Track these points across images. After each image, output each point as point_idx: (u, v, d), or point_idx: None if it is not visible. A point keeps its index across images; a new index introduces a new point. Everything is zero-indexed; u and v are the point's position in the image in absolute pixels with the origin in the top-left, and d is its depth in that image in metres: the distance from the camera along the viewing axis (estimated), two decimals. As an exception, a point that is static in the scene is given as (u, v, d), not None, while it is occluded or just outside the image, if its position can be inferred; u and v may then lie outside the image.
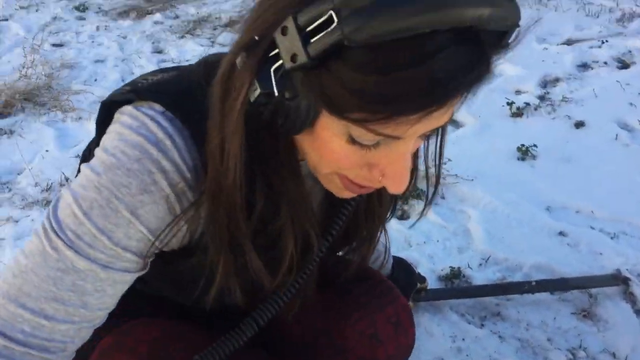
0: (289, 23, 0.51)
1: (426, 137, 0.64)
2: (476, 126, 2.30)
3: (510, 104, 2.37)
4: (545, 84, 2.59)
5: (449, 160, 2.01)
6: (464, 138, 2.24)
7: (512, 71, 2.69)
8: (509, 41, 0.56)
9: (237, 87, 0.58)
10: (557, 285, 1.54)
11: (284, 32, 0.52)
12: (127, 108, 0.67)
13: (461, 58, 0.50)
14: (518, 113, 2.35)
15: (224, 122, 0.60)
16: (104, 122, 0.71)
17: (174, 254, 0.73)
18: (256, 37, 0.56)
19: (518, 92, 2.51)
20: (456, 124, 2.36)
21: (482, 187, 1.94)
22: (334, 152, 0.60)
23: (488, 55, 0.53)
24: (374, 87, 0.50)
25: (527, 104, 2.39)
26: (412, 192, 1.97)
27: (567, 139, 2.19)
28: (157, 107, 0.66)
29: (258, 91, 0.56)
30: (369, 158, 0.60)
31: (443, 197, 1.92)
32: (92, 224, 0.63)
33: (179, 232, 0.68)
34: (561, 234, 1.75)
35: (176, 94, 0.67)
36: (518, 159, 2.10)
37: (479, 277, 1.61)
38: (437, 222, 1.82)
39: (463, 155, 2.10)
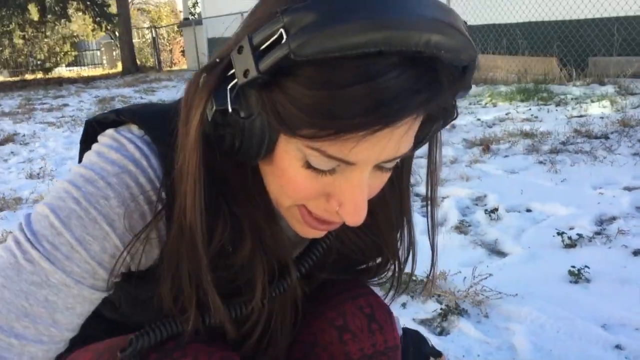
0: (245, 42, 0.55)
1: (386, 170, 0.64)
2: (524, 255, 2.20)
3: (561, 234, 2.27)
4: (601, 222, 2.49)
5: (490, 275, 1.90)
6: (511, 265, 2.13)
7: (564, 211, 2.62)
8: (468, 78, 0.60)
9: (195, 106, 0.61)
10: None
11: (239, 51, 0.56)
12: (109, 131, 0.71)
13: (408, 81, 0.52)
14: (571, 244, 2.24)
15: (184, 143, 0.62)
16: (85, 141, 0.76)
17: (146, 277, 0.73)
18: (217, 59, 0.61)
19: (571, 229, 2.41)
20: (502, 254, 2.26)
21: (529, 305, 1.79)
22: (291, 179, 0.61)
23: (442, 83, 0.55)
24: (321, 102, 0.52)
25: (580, 235, 2.28)
26: (453, 309, 1.86)
27: (624, 265, 2.04)
28: (136, 130, 0.70)
29: (215, 109, 0.59)
30: (327, 186, 0.61)
31: (486, 316, 1.78)
32: (71, 234, 0.64)
33: (150, 250, 0.69)
34: (618, 347, 1.56)
35: (154, 117, 0.70)
36: (570, 282, 1.96)
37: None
38: (479, 338, 1.67)
39: (509, 277, 1.99)
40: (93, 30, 17.78)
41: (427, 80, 0.54)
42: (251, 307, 0.73)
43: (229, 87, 0.57)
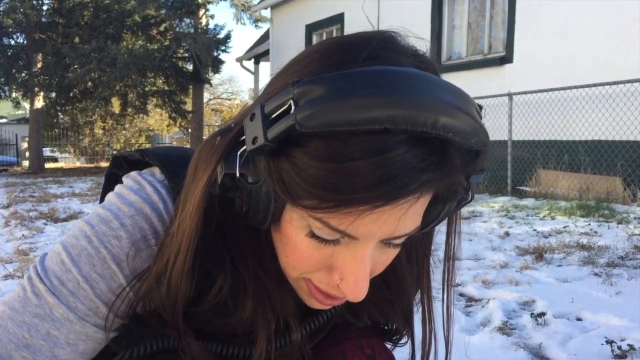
0: (257, 110, 0.57)
1: (394, 247, 0.64)
2: (569, 361, 2.06)
3: (610, 342, 2.13)
4: (656, 337, 2.32)
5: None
6: (554, 370, 2.00)
7: (616, 322, 2.46)
8: (480, 161, 0.61)
9: (205, 168, 0.62)
10: None
11: (251, 118, 0.57)
12: (133, 173, 0.73)
13: (414, 159, 0.53)
14: (621, 355, 2.09)
15: (186, 203, 0.63)
16: (108, 177, 0.81)
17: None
18: (232, 124, 0.64)
19: (622, 340, 2.26)
20: (544, 358, 2.13)
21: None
22: (296, 247, 0.62)
23: (449, 164, 0.56)
24: (324, 174, 0.53)
25: (632, 346, 2.13)
26: None
27: (680, 380, 1.88)
28: (158, 174, 0.72)
29: (224, 172, 0.60)
30: (330, 258, 0.62)
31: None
32: (78, 271, 0.65)
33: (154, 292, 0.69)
34: None
35: (177, 162, 0.72)
36: (617, 391, 1.81)
37: None
38: None
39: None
40: (168, 125, 18.84)
41: (433, 160, 0.54)
42: (252, 352, 0.72)
43: (239, 152, 0.59)
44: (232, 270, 0.68)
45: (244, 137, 0.58)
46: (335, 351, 0.82)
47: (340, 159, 0.52)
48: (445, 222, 0.71)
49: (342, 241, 0.60)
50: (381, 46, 0.60)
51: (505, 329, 2.42)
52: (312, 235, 0.59)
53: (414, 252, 0.80)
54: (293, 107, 0.53)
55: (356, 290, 0.61)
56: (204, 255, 0.66)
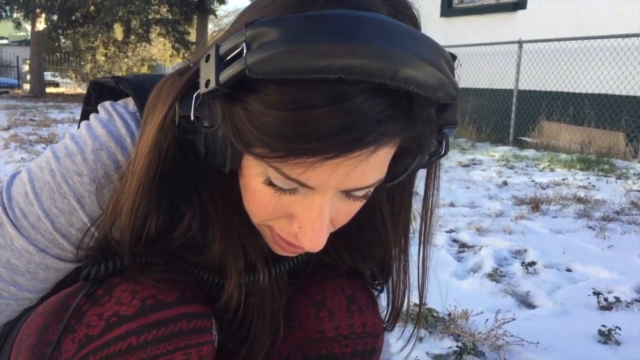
0: (212, 51, 0.54)
1: (356, 199, 0.61)
2: (555, 310, 2.09)
3: (597, 294, 2.16)
4: (644, 291, 2.36)
5: (513, 319, 1.82)
6: (539, 317, 2.03)
7: (605, 274, 2.50)
8: (449, 115, 0.58)
9: (160, 107, 0.61)
10: None
11: (207, 59, 0.55)
12: (106, 103, 0.72)
13: (371, 111, 0.50)
14: (606, 306, 2.13)
15: (140, 142, 0.63)
16: (86, 101, 0.80)
17: None
18: (192, 64, 0.62)
19: (610, 292, 2.29)
20: (531, 305, 2.17)
21: (551, 357, 1.70)
22: (254, 194, 0.60)
23: (414, 119, 0.53)
24: (275, 122, 0.50)
25: (618, 299, 2.16)
26: (469, 349, 1.78)
27: (663, 334, 1.92)
28: (131, 106, 0.70)
29: (179, 114, 0.59)
30: (289, 207, 0.60)
31: (504, 362, 1.70)
32: (40, 205, 0.66)
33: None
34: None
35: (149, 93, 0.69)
36: (599, 341, 1.85)
37: None
38: (491, 381, 1.60)
39: (534, 328, 1.90)
40: (171, 55, 18.56)
41: (392, 113, 0.51)
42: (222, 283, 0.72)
43: (195, 94, 0.57)
44: (200, 209, 0.67)
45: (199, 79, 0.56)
46: (316, 289, 0.82)
47: (293, 106, 0.49)
48: (425, 174, 0.70)
49: (300, 190, 0.57)
50: None
51: (495, 276, 2.45)
52: (270, 183, 0.57)
53: (395, 202, 0.77)
54: (245, 51, 0.50)
55: (313, 240, 0.59)
56: (172, 190, 0.66)
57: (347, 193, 0.59)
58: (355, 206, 0.63)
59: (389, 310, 0.86)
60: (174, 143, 0.62)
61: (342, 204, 0.61)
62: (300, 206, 0.59)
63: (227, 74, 0.52)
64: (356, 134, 0.49)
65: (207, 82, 0.54)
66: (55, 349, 0.67)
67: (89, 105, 0.79)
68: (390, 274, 0.84)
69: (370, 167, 0.55)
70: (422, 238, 0.76)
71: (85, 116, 0.75)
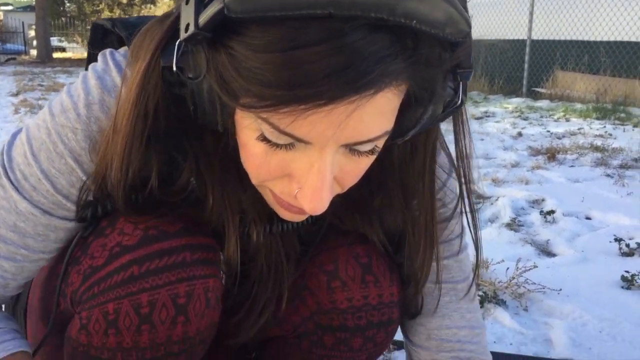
0: None
1: (363, 154, 0.55)
2: (576, 257, 2.07)
3: (618, 240, 2.13)
4: (665, 236, 2.32)
5: (535, 267, 1.80)
6: (560, 265, 2.01)
7: (626, 221, 2.46)
8: (461, 55, 0.51)
9: (141, 59, 0.57)
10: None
11: (187, 1, 0.50)
12: (106, 51, 0.67)
13: (369, 49, 0.44)
14: (628, 252, 2.10)
15: (123, 97, 0.59)
16: (91, 43, 0.77)
17: None
18: (174, 10, 0.56)
19: (631, 239, 2.26)
20: (552, 254, 2.14)
21: (573, 303, 1.68)
22: (250, 152, 0.54)
23: (418, 57, 0.47)
24: (260, 66, 0.45)
25: (640, 245, 2.14)
26: (490, 297, 1.77)
27: (687, 278, 1.89)
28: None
29: (161, 65, 0.54)
30: (287, 165, 0.54)
31: (526, 309, 1.68)
32: (38, 166, 0.64)
33: None
34: (667, 355, 1.43)
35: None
36: (622, 287, 1.83)
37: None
38: (514, 328, 1.58)
39: (555, 275, 1.88)
40: (177, 17, 18.33)
41: (394, 50, 0.45)
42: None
43: (177, 42, 0.52)
44: (196, 167, 0.63)
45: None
46: (328, 258, 0.77)
47: (278, 48, 0.44)
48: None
49: (298, 146, 0.51)
50: None
51: (514, 225, 2.42)
52: (264, 138, 0.51)
53: (414, 162, 0.69)
54: None
55: (314, 201, 0.52)
56: (169, 146, 0.62)
57: (351, 148, 0.53)
58: (363, 164, 0.56)
59: (410, 289, 0.79)
60: (164, 99, 0.57)
61: (347, 161, 0.54)
62: (298, 164, 0.53)
63: (206, 15, 0.46)
64: (350, 75, 0.44)
65: (187, 27, 0.48)
66: (63, 281, 0.67)
67: (95, 49, 0.75)
68: (408, 244, 0.76)
69: (371, 115, 0.48)
70: (464, 187, 0.71)
71: (90, 60, 0.72)
